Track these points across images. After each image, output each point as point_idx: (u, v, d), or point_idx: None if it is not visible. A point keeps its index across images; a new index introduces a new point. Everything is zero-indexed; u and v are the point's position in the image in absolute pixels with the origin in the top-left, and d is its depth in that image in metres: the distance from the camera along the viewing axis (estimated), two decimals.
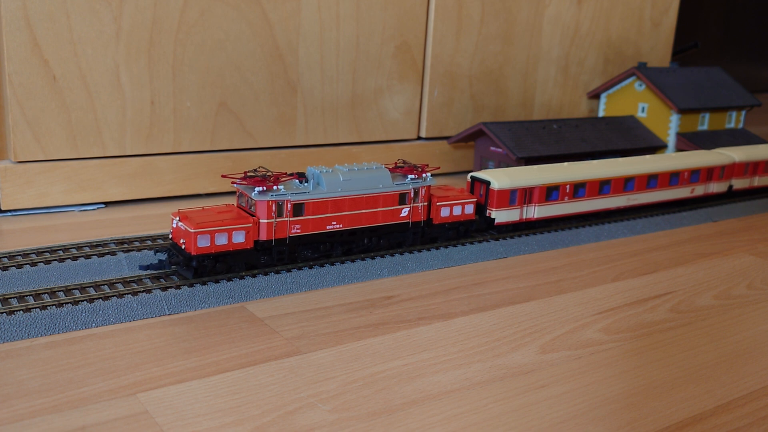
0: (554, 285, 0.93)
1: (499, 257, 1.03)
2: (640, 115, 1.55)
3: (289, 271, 0.89)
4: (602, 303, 0.88)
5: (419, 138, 1.43)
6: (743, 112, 1.64)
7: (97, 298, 0.78)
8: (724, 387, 0.70)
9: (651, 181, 1.23)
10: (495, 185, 1.06)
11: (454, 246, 1.03)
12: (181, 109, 1.14)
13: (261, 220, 0.86)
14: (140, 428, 0.58)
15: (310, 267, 0.91)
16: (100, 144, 1.09)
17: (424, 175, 0.98)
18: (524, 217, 1.09)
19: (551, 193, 1.11)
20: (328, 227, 0.91)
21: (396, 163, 1.00)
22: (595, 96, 1.63)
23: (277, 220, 0.87)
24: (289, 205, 0.87)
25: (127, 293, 0.79)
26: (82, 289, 0.80)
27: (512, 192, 1.07)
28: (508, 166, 1.29)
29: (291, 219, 0.88)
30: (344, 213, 0.92)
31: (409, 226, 0.98)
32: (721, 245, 1.14)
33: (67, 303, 0.76)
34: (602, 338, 0.78)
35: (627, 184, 1.20)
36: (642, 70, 1.52)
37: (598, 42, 1.62)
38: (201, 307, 0.80)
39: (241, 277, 0.86)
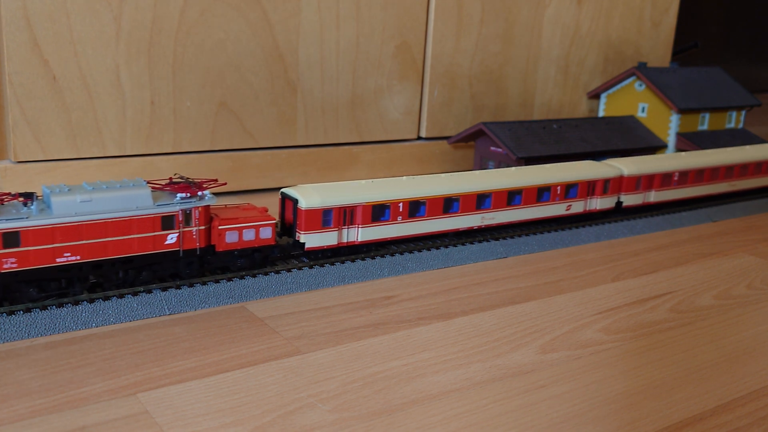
0: (554, 285, 0.93)
1: (499, 257, 1.03)
2: (640, 115, 1.55)
3: (289, 271, 0.89)
4: (602, 303, 0.88)
5: (419, 138, 1.43)
6: (743, 112, 1.64)
7: (97, 298, 0.78)
8: (724, 387, 0.70)
9: (513, 197, 1.08)
10: (303, 204, 0.90)
11: (455, 246, 1.02)
12: (181, 109, 1.14)
13: None
14: (140, 428, 0.58)
15: (311, 267, 0.91)
16: (100, 144, 1.09)
17: (200, 193, 0.82)
18: (345, 240, 0.94)
19: (380, 212, 0.96)
20: (59, 260, 0.75)
21: (171, 178, 0.85)
22: (595, 96, 1.63)
23: None
24: None
25: (127, 293, 0.79)
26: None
27: (326, 212, 0.91)
28: (508, 166, 1.29)
29: (1, 251, 0.72)
30: (82, 242, 0.76)
31: (180, 255, 0.82)
32: (721, 245, 1.14)
33: (67, 303, 0.76)
34: (602, 338, 0.78)
35: (481, 201, 1.05)
36: (642, 70, 1.52)
37: (598, 42, 1.62)
38: (201, 307, 0.80)
39: (242, 277, 0.86)
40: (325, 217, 0.92)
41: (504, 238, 1.08)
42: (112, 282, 0.79)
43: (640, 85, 1.54)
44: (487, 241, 1.06)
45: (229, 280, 0.85)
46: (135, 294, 0.80)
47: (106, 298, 0.78)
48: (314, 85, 1.25)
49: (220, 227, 0.84)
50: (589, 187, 1.16)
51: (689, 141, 1.48)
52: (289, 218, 0.92)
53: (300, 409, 0.62)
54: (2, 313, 0.73)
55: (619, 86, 1.57)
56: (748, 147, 1.43)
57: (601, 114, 1.61)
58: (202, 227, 0.83)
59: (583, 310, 0.86)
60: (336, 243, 0.93)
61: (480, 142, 1.37)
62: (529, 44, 1.51)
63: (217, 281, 0.85)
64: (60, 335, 0.72)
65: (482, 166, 1.37)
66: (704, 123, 1.56)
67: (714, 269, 1.02)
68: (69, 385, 0.63)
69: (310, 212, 0.90)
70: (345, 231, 0.94)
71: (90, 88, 1.06)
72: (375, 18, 1.28)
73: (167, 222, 0.80)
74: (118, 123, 1.10)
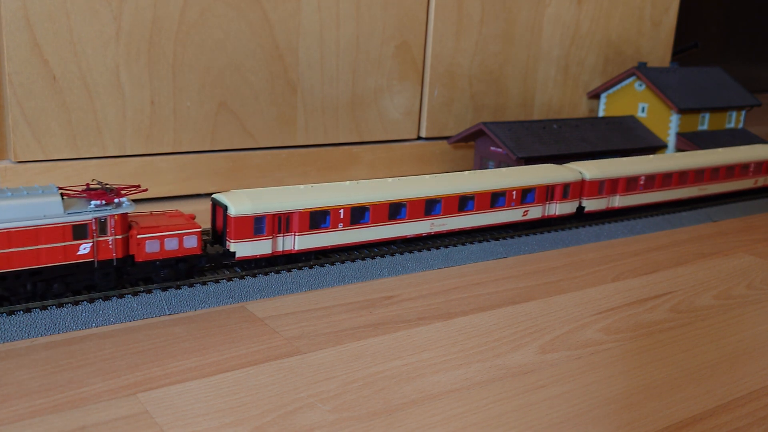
0: (554, 285, 0.93)
1: (499, 257, 1.03)
2: (640, 115, 1.55)
3: (289, 271, 0.89)
4: (602, 303, 0.88)
5: (419, 138, 1.43)
6: (743, 112, 1.64)
7: (97, 298, 0.78)
8: (724, 387, 0.70)
9: (465, 203, 1.03)
10: (232, 211, 0.85)
11: (455, 246, 1.02)
12: (181, 109, 1.14)
13: None
14: (140, 428, 0.58)
15: (311, 267, 0.91)
16: (100, 144, 1.09)
17: (117, 200, 0.77)
18: (280, 249, 0.89)
19: (319, 219, 0.91)
20: None
21: (88, 184, 0.79)
22: (595, 96, 1.63)
23: None
24: None
25: (127, 293, 0.79)
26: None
27: (258, 219, 0.86)
28: (508, 166, 1.29)
29: None
30: None
31: (95, 266, 0.77)
32: (721, 245, 1.14)
33: (67, 303, 0.76)
34: (602, 338, 0.78)
35: (431, 206, 1.00)
36: (642, 70, 1.52)
37: (598, 42, 1.62)
38: (201, 307, 0.80)
39: (242, 277, 0.86)
40: (258, 225, 0.87)
41: (504, 238, 1.08)
42: (20, 295, 0.75)
43: (640, 85, 1.54)
44: (487, 241, 1.06)
45: (229, 280, 0.85)
46: (135, 294, 0.80)
47: (106, 298, 0.78)
48: (314, 85, 1.25)
49: (139, 236, 0.79)
50: (548, 192, 1.11)
51: (689, 141, 1.48)
52: (220, 226, 0.87)
53: (300, 409, 0.62)
54: (2, 313, 0.73)
55: (619, 86, 1.57)
56: (720, 150, 1.39)
57: (601, 114, 1.61)
58: (119, 236, 0.78)
59: (583, 310, 0.86)
60: (270, 252, 0.88)
61: (480, 142, 1.37)
62: (529, 44, 1.51)
63: (217, 281, 0.85)
64: (60, 335, 0.72)
65: (482, 166, 1.37)
66: (704, 123, 1.56)
67: (714, 269, 1.02)
68: (69, 385, 0.63)
69: (240, 219, 0.85)
70: (280, 239, 0.89)
71: (90, 88, 1.06)
72: (375, 18, 1.28)
73: (79, 231, 0.75)
74: (118, 123, 1.10)
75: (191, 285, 0.83)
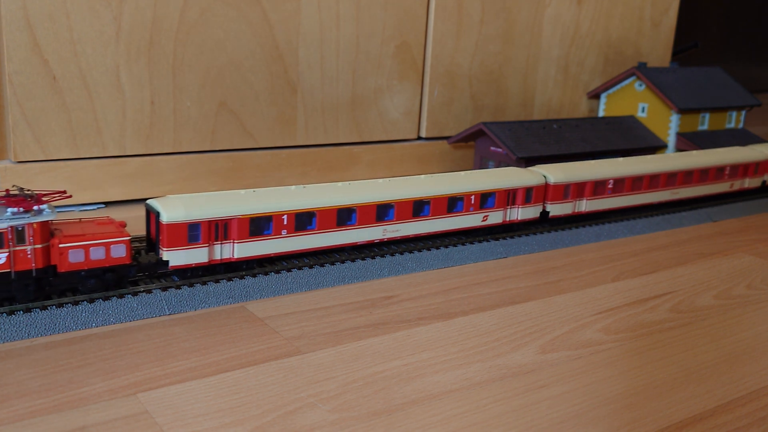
0: (554, 285, 0.93)
1: (499, 257, 1.03)
2: (640, 115, 1.55)
3: (289, 271, 0.89)
4: (602, 303, 0.88)
5: (419, 138, 1.43)
6: (743, 112, 1.64)
7: (97, 298, 0.78)
8: (724, 387, 0.70)
9: (421, 207, 0.99)
10: (164, 217, 0.81)
11: (455, 246, 1.02)
12: (181, 109, 1.14)
13: None
14: (140, 428, 0.58)
15: (311, 267, 0.91)
16: (100, 144, 1.09)
17: (37, 207, 0.73)
18: (218, 257, 0.85)
19: (260, 225, 0.87)
20: None
21: (7, 190, 0.76)
22: (595, 96, 1.63)
23: None
24: None
25: (127, 293, 0.79)
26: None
27: (192, 226, 0.82)
28: (508, 166, 1.29)
29: None
30: None
31: (12, 277, 0.73)
32: (721, 245, 1.14)
33: (67, 303, 0.76)
34: (602, 338, 0.78)
35: (383, 212, 0.96)
36: (642, 70, 1.52)
37: (598, 42, 1.62)
38: (201, 307, 0.80)
39: (242, 277, 0.86)
40: (192, 232, 0.82)
41: (504, 238, 1.08)
42: None
43: (640, 85, 1.54)
44: (487, 241, 1.06)
45: (229, 280, 0.85)
46: (135, 294, 0.80)
47: (106, 298, 0.78)
48: (314, 85, 1.25)
49: (61, 245, 0.75)
50: (509, 196, 1.07)
51: (689, 141, 1.48)
52: (154, 233, 0.83)
53: (300, 409, 0.62)
54: (2, 313, 0.73)
55: (619, 86, 1.57)
56: (694, 153, 1.35)
57: (601, 114, 1.61)
58: (39, 246, 0.73)
59: (583, 310, 0.86)
60: (207, 260, 0.84)
61: (480, 142, 1.37)
62: (529, 44, 1.51)
63: (217, 281, 0.85)
64: (60, 335, 0.72)
65: (482, 166, 1.37)
66: (704, 123, 1.56)
67: (714, 269, 1.02)
68: (69, 385, 0.63)
69: (173, 226, 0.81)
70: (218, 247, 0.84)
71: (90, 88, 1.06)
72: (375, 18, 1.28)
73: None
74: (118, 123, 1.10)
75: (191, 285, 0.83)
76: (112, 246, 0.78)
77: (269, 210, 0.87)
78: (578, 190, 1.15)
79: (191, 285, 0.83)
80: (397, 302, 0.85)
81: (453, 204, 1.02)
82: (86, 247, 0.76)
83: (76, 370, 0.66)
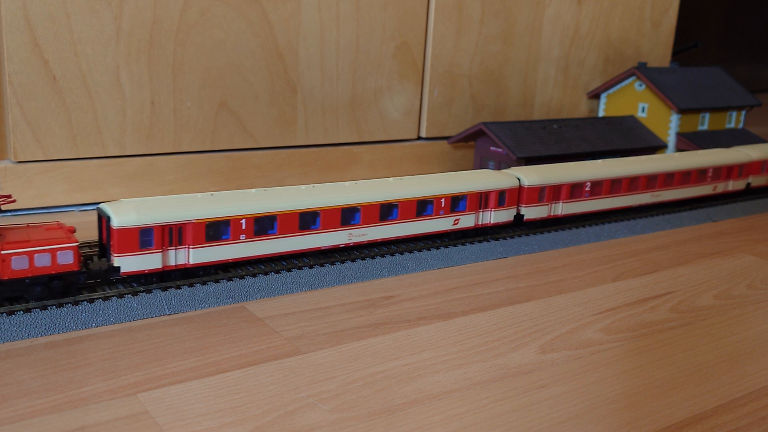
0: (554, 285, 0.93)
1: (499, 257, 1.03)
2: (640, 115, 1.55)
3: (289, 270, 0.89)
4: (602, 303, 0.88)
5: (419, 138, 1.43)
6: (743, 112, 1.64)
7: (97, 298, 0.78)
8: (724, 387, 0.70)
9: (388, 211, 0.96)
10: (115, 222, 0.77)
11: (455, 246, 1.02)
12: (181, 109, 1.14)
13: None
14: (140, 428, 0.58)
15: (310, 267, 0.91)
16: (100, 144, 1.09)
17: None
18: (173, 263, 0.82)
19: (217, 230, 0.84)
20: None
21: None
22: (595, 96, 1.63)
23: None
24: None
25: (127, 293, 0.79)
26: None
27: (144, 231, 0.79)
28: (508, 166, 1.29)
29: None
30: None
31: None
32: (721, 245, 1.14)
33: (67, 303, 0.76)
34: (602, 338, 0.78)
35: (349, 215, 0.93)
36: (642, 70, 1.52)
37: (598, 42, 1.62)
38: (201, 307, 0.80)
39: (242, 277, 0.86)
40: (145, 237, 0.79)
41: (504, 238, 1.08)
42: None
43: (640, 85, 1.54)
44: (487, 241, 1.06)
45: (229, 279, 0.85)
46: (135, 294, 0.80)
47: (106, 298, 0.78)
48: (314, 85, 1.25)
49: (3, 252, 0.72)
50: (481, 199, 1.04)
51: (689, 141, 1.48)
52: (105, 238, 0.80)
53: (300, 409, 0.62)
54: (2, 313, 0.73)
55: (619, 86, 1.57)
56: (677, 154, 1.32)
57: (601, 114, 1.61)
58: None
59: (583, 310, 0.86)
60: (161, 267, 0.81)
61: (480, 142, 1.37)
62: (529, 44, 1.51)
63: (217, 281, 0.85)
64: (60, 335, 0.72)
65: (482, 166, 1.37)
66: (704, 123, 1.56)
67: (714, 269, 1.02)
68: (69, 385, 0.63)
69: (124, 231, 0.78)
70: (172, 253, 0.81)
71: (90, 88, 1.06)
72: (375, 18, 1.28)
73: None
74: (118, 123, 1.10)
75: (191, 285, 0.83)
76: (58, 252, 0.74)
77: (227, 214, 0.84)
78: (554, 192, 1.12)
79: (191, 285, 0.83)
80: (397, 302, 0.85)
81: (422, 207, 0.99)
82: (30, 254, 0.73)
83: (76, 370, 0.66)
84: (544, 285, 0.93)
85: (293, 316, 0.79)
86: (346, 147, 1.32)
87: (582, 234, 1.14)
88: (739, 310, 0.88)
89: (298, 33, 1.21)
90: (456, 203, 1.02)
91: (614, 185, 1.19)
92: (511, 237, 1.09)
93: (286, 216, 0.88)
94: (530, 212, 1.10)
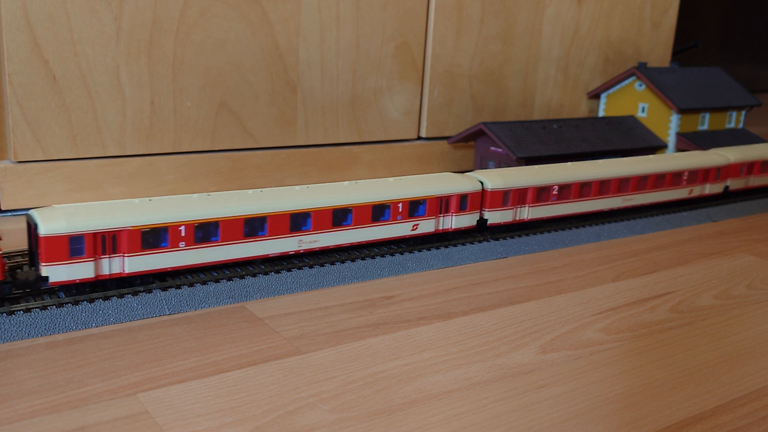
0: (554, 285, 0.93)
1: (499, 257, 1.03)
2: (640, 115, 1.55)
3: (289, 270, 0.89)
4: (602, 303, 0.88)
5: (419, 138, 1.43)
6: (743, 112, 1.64)
7: (97, 298, 0.78)
8: (724, 387, 0.70)
9: (342, 216, 0.93)
10: (42, 230, 0.74)
11: (455, 246, 1.02)
12: (181, 109, 1.14)
13: None
14: (140, 428, 0.58)
15: (311, 267, 0.91)
16: (100, 144, 1.09)
17: None
18: (106, 272, 0.78)
19: (154, 237, 0.80)
20: None
21: None
22: (595, 96, 1.63)
23: None
24: None
25: (127, 293, 0.79)
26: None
27: (74, 239, 0.75)
28: (508, 166, 1.29)
29: None
30: None
31: None
32: (721, 245, 1.14)
33: (67, 303, 0.76)
34: (602, 338, 0.78)
35: (298, 221, 0.89)
36: (642, 70, 1.52)
37: (598, 42, 1.62)
38: (201, 307, 0.80)
39: (242, 277, 0.86)
40: (75, 245, 0.75)
41: (504, 238, 1.08)
42: None
43: (640, 85, 1.54)
44: (487, 241, 1.06)
45: (229, 279, 0.85)
46: (135, 294, 0.80)
47: (106, 298, 0.78)
48: (314, 85, 1.25)
49: None
50: (442, 204, 1.00)
51: (689, 141, 1.48)
52: (34, 247, 0.76)
53: (300, 409, 0.62)
54: (2, 313, 0.73)
55: (619, 86, 1.57)
56: (651, 157, 1.28)
57: (601, 114, 1.61)
58: None
59: (583, 310, 0.86)
60: (93, 276, 0.77)
61: (480, 142, 1.37)
62: (529, 44, 1.51)
63: (217, 281, 0.85)
64: (60, 335, 0.72)
65: (483, 166, 1.37)
66: (704, 123, 1.56)
67: (714, 269, 1.02)
68: (69, 385, 0.63)
69: (52, 239, 0.74)
70: (106, 261, 0.78)
71: (90, 88, 1.06)
72: (375, 18, 1.28)
73: None
74: (118, 123, 1.10)
75: (191, 285, 0.83)
76: None
77: (164, 221, 0.80)
78: (519, 196, 1.08)
79: (191, 285, 0.83)
80: (397, 302, 0.85)
81: (379, 212, 0.95)
82: None
83: (76, 370, 0.66)
84: (544, 285, 0.93)
85: (293, 316, 0.79)
86: (346, 147, 1.32)
87: (582, 234, 1.14)
88: (739, 310, 0.88)
89: (298, 33, 1.21)
90: (415, 208, 0.98)
91: (584, 189, 1.16)
92: (511, 237, 1.09)
93: (230, 222, 0.84)
94: (494, 217, 1.07)
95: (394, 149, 1.38)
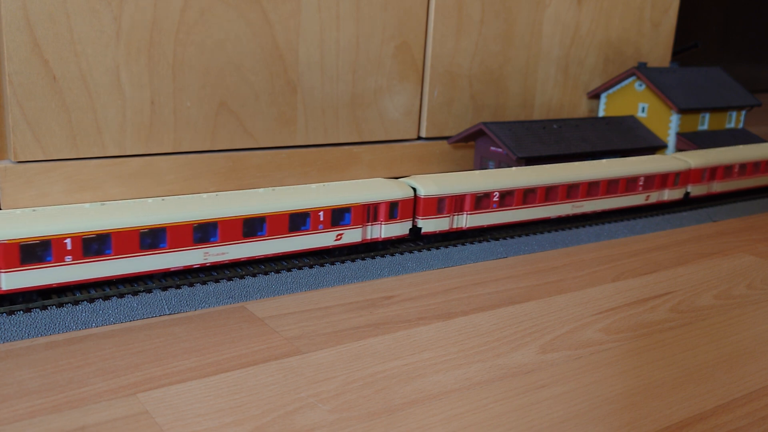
0: (554, 285, 0.93)
1: (499, 257, 1.03)
2: (640, 115, 1.55)
3: (289, 270, 0.89)
4: (602, 303, 0.88)
5: (419, 138, 1.43)
6: (743, 112, 1.64)
7: (97, 298, 0.78)
8: (724, 387, 0.70)
9: (255, 227, 0.87)
10: None
11: (455, 246, 1.02)
12: (181, 109, 1.14)
13: None
14: (140, 428, 0.58)
15: (310, 267, 0.91)
16: (100, 144, 1.09)
17: None
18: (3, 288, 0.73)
19: (36, 252, 0.74)
20: None
21: None
22: (595, 96, 1.63)
23: None
24: None
25: (127, 293, 0.79)
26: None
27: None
28: (509, 166, 1.29)
29: None
30: None
31: None
32: (721, 245, 1.14)
33: (67, 303, 0.76)
34: (602, 338, 0.78)
35: (204, 233, 0.84)
36: (642, 70, 1.52)
37: (598, 42, 1.62)
38: (201, 307, 0.80)
39: (242, 277, 0.86)
40: None
41: (504, 238, 1.08)
42: None
43: (640, 85, 1.54)
44: (487, 241, 1.06)
45: (229, 279, 0.85)
46: (135, 294, 0.80)
47: (106, 298, 0.78)
48: (314, 85, 1.25)
49: None
50: (369, 212, 0.95)
51: (689, 141, 1.48)
52: None
53: (300, 409, 0.62)
54: (2, 313, 0.73)
55: (619, 86, 1.57)
56: (604, 161, 1.23)
57: (601, 114, 1.61)
58: None
59: (583, 310, 0.86)
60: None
61: (480, 142, 1.37)
62: (529, 44, 1.51)
63: (217, 281, 0.85)
64: (60, 335, 0.72)
65: (482, 166, 1.37)
66: (704, 123, 1.56)
67: (714, 269, 1.02)
68: (69, 385, 0.63)
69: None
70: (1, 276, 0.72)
71: (90, 88, 1.06)
72: (375, 18, 1.28)
73: None
74: (118, 123, 1.10)
75: (191, 285, 0.83)
76: None
77: (47, 233, 0.73)
78: (456, 203, 1.03)
79: (191, 285, 0.83)
80: (397, 302, 0.85)
81: (297, 222, 0.89)
82: None
83: (76, 370, 0.66)
84: (544, 285, 0.93)
85: (293, 316, 0.79)
86: (346, 147, 1.32)
87: (582, 234, 1.14)
88: (739, 310, 0.88)
89: (298, 33, 1.21)
90: (339, 216, 0.93)
91: (527, 195, 1.10)
92: (512, 237, 1.09)
93: (124, 234, 0.77)
94: (428, 225, 1.01)
95: (394, 149, 1.38)
